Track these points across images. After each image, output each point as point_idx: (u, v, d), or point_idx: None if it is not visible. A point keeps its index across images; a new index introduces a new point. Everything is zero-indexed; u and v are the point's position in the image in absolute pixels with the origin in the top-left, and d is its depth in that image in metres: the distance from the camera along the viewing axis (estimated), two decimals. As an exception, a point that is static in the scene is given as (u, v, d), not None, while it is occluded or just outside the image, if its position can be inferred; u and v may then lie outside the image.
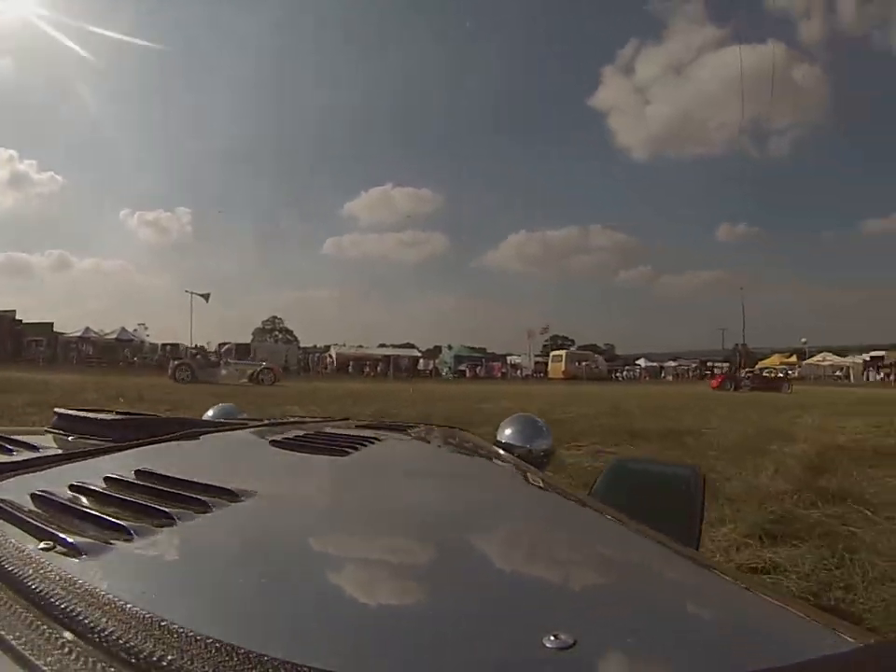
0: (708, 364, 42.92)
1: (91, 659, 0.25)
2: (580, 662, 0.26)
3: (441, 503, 0.53)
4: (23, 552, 0.33)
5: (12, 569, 0.31)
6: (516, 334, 39.52)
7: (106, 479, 0.48)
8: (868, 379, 34.62)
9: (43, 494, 0.43)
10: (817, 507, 3.02)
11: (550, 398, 12.98)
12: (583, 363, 36.75)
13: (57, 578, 0.29)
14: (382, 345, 40.50)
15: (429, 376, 32.74)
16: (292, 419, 1.15)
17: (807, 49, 61.62)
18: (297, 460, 0.65)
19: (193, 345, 23.63)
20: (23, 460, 0.56)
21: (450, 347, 39.29)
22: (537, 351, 40.67)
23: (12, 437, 0.69)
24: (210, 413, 1.36)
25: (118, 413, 0.81)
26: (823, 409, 11.10)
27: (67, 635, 0.26)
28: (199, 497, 0.43)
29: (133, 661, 0.24)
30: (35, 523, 0.38)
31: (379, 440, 0.75)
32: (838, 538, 2.46)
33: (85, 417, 0.78)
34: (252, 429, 0.91)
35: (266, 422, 1.08)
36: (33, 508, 0.42)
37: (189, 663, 0.24)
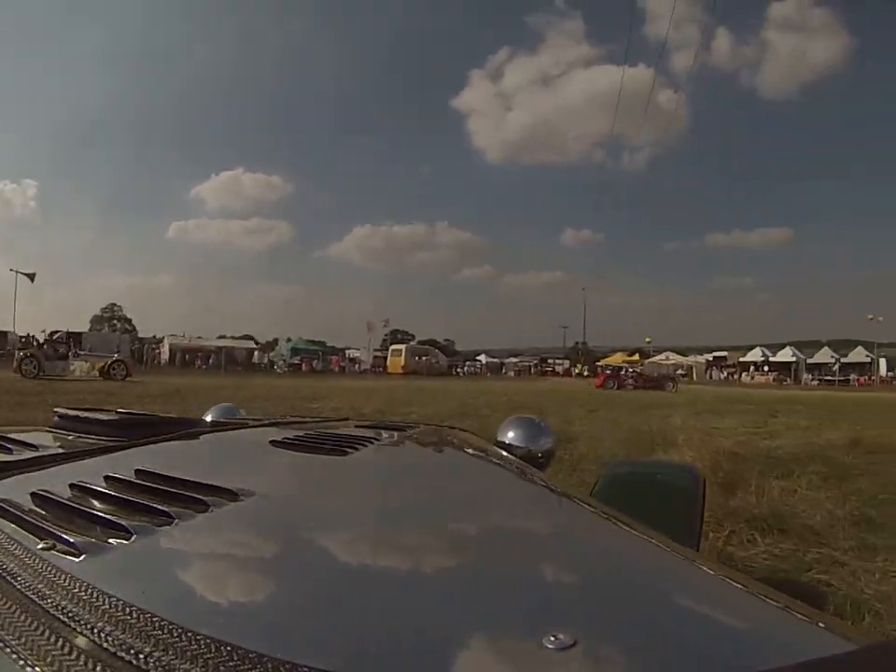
0: (549, 361, 44.35)
1: (90, 659, 0.25)
2: (580, 662, 0.26)
3: (441, 503, 0.53)
4: (23, 551, 0.33)
5: (12, 569, 0.31)
6: (358, 328, 39.96)
7: (106, 478, 0.48)
8: (711, 377, 36.44)
9: (43, 493, 0.43)
10: (756, 543, 2.41)
11: (388, 394, 11.80)
12: (423, 358, 35.66)
13: (57, 577, 0.29)
14: (222, 336, 38.20)
15: (263, 370, 30.31)
16: (292, 419, 1.15)
17: (676, 77, 64.35)
18: (297, 460, 0.65)
19: (26, 334, 20.21)
20: (23, 459, 0.56)
21: (288, 340, 37.42)
22: (377, 345, 39.76)
23: (12, 436, 0.69)
24: (210, 413, 1.36)
25: (118, 412, 0.81)
26: (722, 409, 10.53)
27: (67, 634, 0.26)
28: (199, 496, 0.43)
29: (133, 661, 0.24)
30: (34, 522, 0.38)
31: (379, 440, 0.75)
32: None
33: (85, 416, 0.78)
34: (252, 429, 0.91)
35: (266, 422, 1.08)
36: (32, 507, 0.42)
37: (188, 663, 0.24)
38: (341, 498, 0.53)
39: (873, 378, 33.66)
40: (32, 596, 0.28)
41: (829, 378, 34.25)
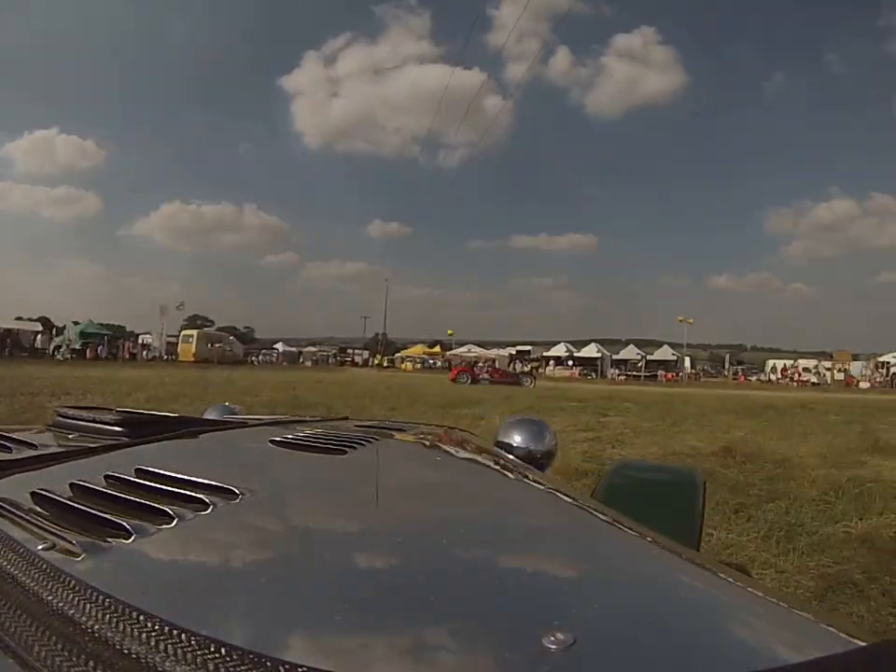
0: (348, 351, 44.34)
1: (91, 659, 0.25)
2: (579, 661, 0.26)
3: (441, 503, 0.53)
4: (23, 550, 0.33)
5: (12, 568, 0.31)
6: (155, 311, 36.03)
7: (106, 477, 0.48)
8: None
9: (43, 492, 0.43)
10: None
11: (158, 388, 9.87)
12: (216, 345, 33.08)
13: (57, 577, 0.29)
14: (19, 318, 32.69)
15: (46, 356, 26.95)
16: (292, 418, 1.15)
17: (507, 85, 69.23)
18: (297, 459, 0.65)
19: None
20: (23, 458, 0.56)
21: (76, 323, 32.78)
22: (174, 330, 36.06)
23: (11, 435, 0.68)
24: (210, 412, 1.36)
25: (118, 410, 0.81)
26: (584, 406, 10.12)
27: (67, 634, 0.26)
28: (199, 495, 0.43)
29: (133, 661, 0.24)
30: (34, 521, 0.38)
31: (379, 439, 0.75)
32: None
33: (85, 415, 0.78)
34: (252, 428, 0.91)
35: (266, 421, 1.08)
36: (32, 506, 0.42)
37: (188, 663, 0.24)
38: (340, 498, 0.53)
39: (680, 374, 35.10)
40: (32, 596, 0.28)
41: (635, 374, 35.83)
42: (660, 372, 35.64)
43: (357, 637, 0.28)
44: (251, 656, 0.24)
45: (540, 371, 34.68)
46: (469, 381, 21.37)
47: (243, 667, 0.23)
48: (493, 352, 40.39)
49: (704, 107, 78.85)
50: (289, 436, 0.72)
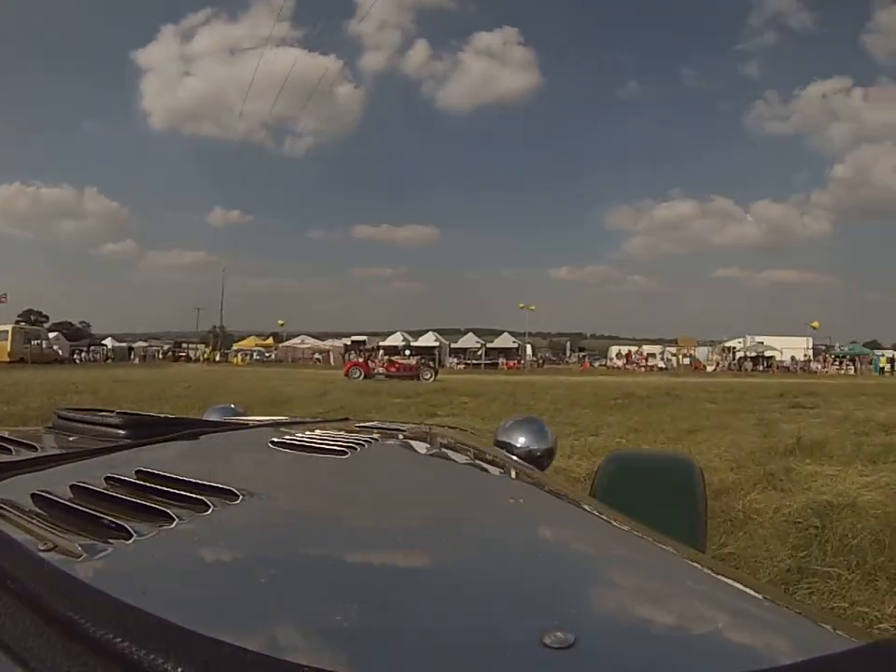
0: (183, 345, 41.35)
1: (91, 659, 0.25)
2: (580, 660, 0.26)
3: (441, 503, 0.53)
4: (23, 552, 0.33)
5: (12, 570, 0.31)
6: None
7: (107, 479, 0.48)
8: (346, 361, 35.00)
9: (43, 494, 0.43)
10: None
11: None
12: (34, 342, 29.22)
13: (58, 578, 0.29)
14: None
15: None
16: (293, 419, 1.15)
17: (362, 75, 68.34)
18: (297, 460, 0.65)
19: None
20: (23, 460, 0.56)
21: None
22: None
23: (12, 437, 0.69)
24: (210, 413, 1.36)
25: (118, 412, 0.81)
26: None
27: (68, 635, 0.26)
28: (199, 496, 0.43)
29: (134, 661, 0.24)
30: (35, 523, 0.38)
31: (379, 440, 0.75)
32: None
33: (85, 417, 0.78)
34: (252, 429, 0.91)
35: (266, 422, 1.08)
36: (33, 508, 0.42)
37: (188, 662, 0.24)
38: (341, 498, 0.53)
39: (521, 362, 34.55)
40: (32, 597, 0.28)
41: (475, 362, 35.09)
42: (501, 360, 34.90)
43: (358, 637, 0.28)
44: (252, 657, 0.24)
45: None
46: (362, 375, 18.99)
47: (243, 668, 0.23)
48: (328, 343, 39.57)
49: (556, 109, 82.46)
50: (290, 437, 0.72)
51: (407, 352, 34.11)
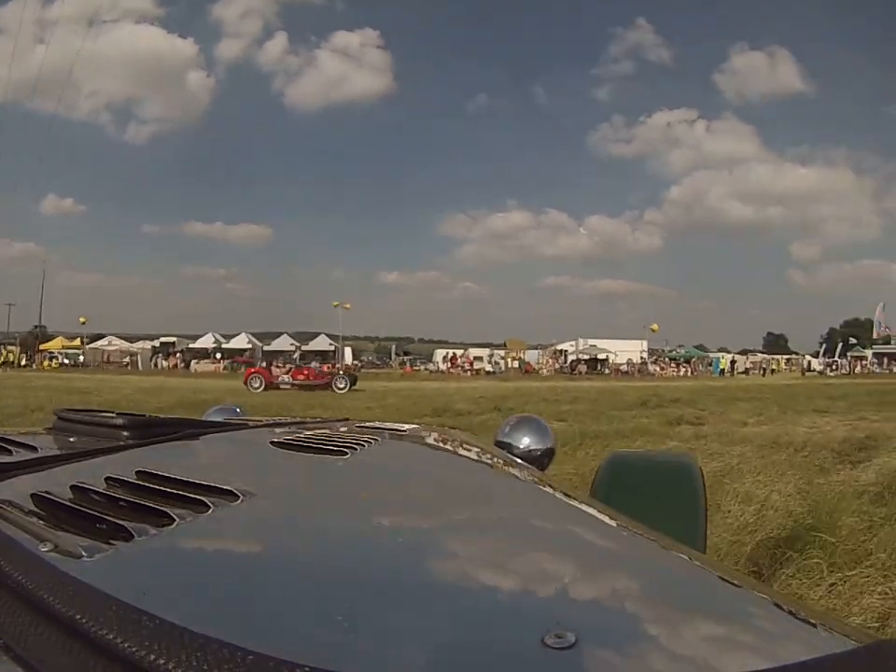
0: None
1: (91, 659, 0.25)
2: (580, 660, 0.26)
3: (441, 503, 0.53)
4: (24, 552, 0.33)
5: (12, 570, 0.31)
6: None
7: (107, 479, 0.48)
8: (156, 366, 33.05)
9: (43, 494, 0.43)
10: None
11: None
12: None
13: (58, 579, 0.29)
14: None
15: None
16: (292, 419, 1.15)
17: (218, 63, 63.93)
18: (297, 460, 0.65)
19: None
20: (24, 460, 0.56)
21: None
22: None
23: (12, 437, 0.69)
24: (210, 413, 1.36)
25: (118, 413, 0.81)
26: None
27: (68, 636, 0.26)
28: (199, 496, 0.43)
29: (134, 661, 0.24)
30: (35, 523, 0.38)
31: (379, 440, 0.75)
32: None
33: (85, 418, 0.78)
34: (252, 429, 0.91)
35: (266, 422, 1.08)
36: (33, 508, 0.42)
37: (189, 663, 0.24)
38: (341, 499, 0.53)
39: (336, 365, 31.81)
40: (33, 598, 0.28)
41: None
42: (315, 363, 31.08)
43: (359, 637, 0.28)
44: (252, 657, 0.24)
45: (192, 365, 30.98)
46: (263, 385, 15.59)
47: (243, 667, 0.23)
48: (138, 345, 36.45)
49: (405, 115, 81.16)
50: (290, 437, 0.72)
51: (218, 354, 31.49)
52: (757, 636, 0.31)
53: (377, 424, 1.00)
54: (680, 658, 0.28)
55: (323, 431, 0.84)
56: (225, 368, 31.64)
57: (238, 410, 1.41)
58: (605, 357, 33.70)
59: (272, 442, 0.69)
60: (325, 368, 20.81)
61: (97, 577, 0.30)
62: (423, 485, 0.61)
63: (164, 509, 0.40)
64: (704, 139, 69.92)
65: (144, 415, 0.79)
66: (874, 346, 39.22)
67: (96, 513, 0.40)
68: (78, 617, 0.26)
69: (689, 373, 32.22)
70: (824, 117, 77.25)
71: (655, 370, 32.33)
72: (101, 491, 0.45)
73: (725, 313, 79.31)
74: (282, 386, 15.96)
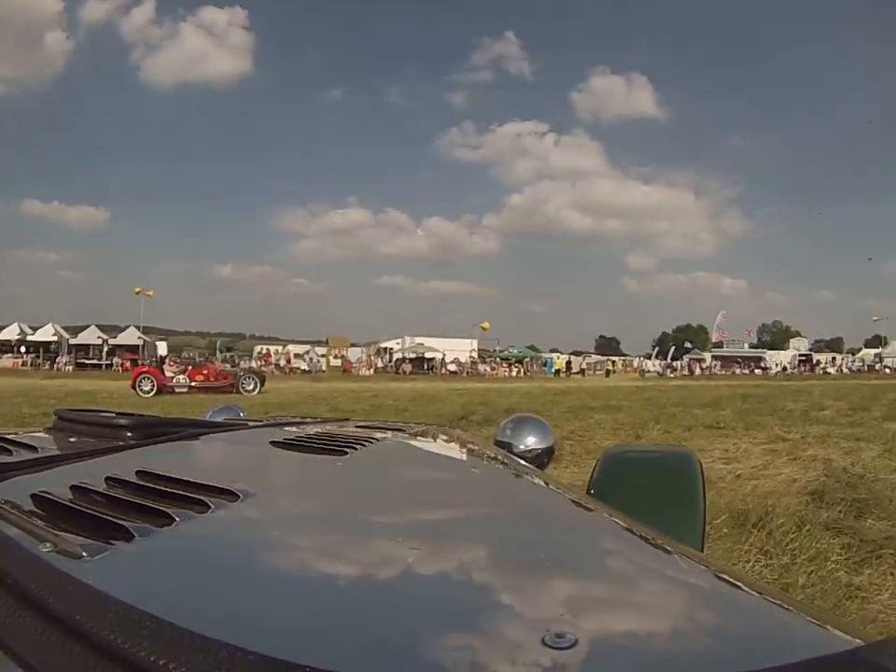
0: None
1: (91, 660, 0.25)
2: (580, 660, 0.26)
3: (440, 503, 0.53)
4: (24, 552, 0.33)
5: (12, 570, 0.31)
6: None
7: (107, 479, 0.48)
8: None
9: (43, 494, 0.43)
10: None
11: None
12: None
13: (58, 579, 0.29)
14: None
15: None
16: (293, 419, 1.15)
17: (80, 25, 62.43)
18: (297, 460, 0.65)
19: None
20: (23, 460, 0.56)
21: None
22: None
23: (12, 437, 0.69)
24: (210, 413, 1.36)
25: (118, 413, 0.81)
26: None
27: (68, 636, 0.26)
28: (199, 496, 0.43)
29: (134, 661, 0.24)
30: (35, 523, 0.38)
31: (379, 440, 0.75)
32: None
33: (85, 418, 0.78)
34: (252, 429, 0.91)
35: (266, 422, 1.08)
36: (33, 508, 0.42)
37: (189, 663, 0.24)
38: (341, 498, 0.53)
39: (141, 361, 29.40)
40: (33, 598, 0.28)
41: (96, 361, 29.85)
42: (116, 361, 29.19)
43: (359, 636, 0.28)
44: (252, 657, 0.24)
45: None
46: (154, 390, 13.12)
47: (243, 667, 0.23)
48: None
49: (258, 102, 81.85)
50: (290, 437, 0.72)
51: (22, 348, 27.39)
52: (757, 635, 0.31)
53: (377, 423, 1.00)
54: (680, 657, 0.28)
55: (323, 431, 0.84)
56: (24, 364, 28.52)
57: (238, 410, 1.41)
58: (432, 357, 31.91)
59: (271, 442, 0.69)
60: (228, 367, 18.47)
61: (97, 576, 0.30)
62: (423, 485, 0.61)
63: (164, 509, 0.40)
64: (551, 151, 74.82)
65: (143, 415, 0.79)
66: (712, 349, 41.80)
67: (96, 513, 0.40)
68: (78, 617, 0.26)
69: (522, 373, 31.36)
70: (672, 142, 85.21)
71: (486, 370, 31.44)
72: (101, 491, 0.45)
73: (559, 316, 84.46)
74: (177, 390, 13.58)
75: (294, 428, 0.92)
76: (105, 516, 0.39)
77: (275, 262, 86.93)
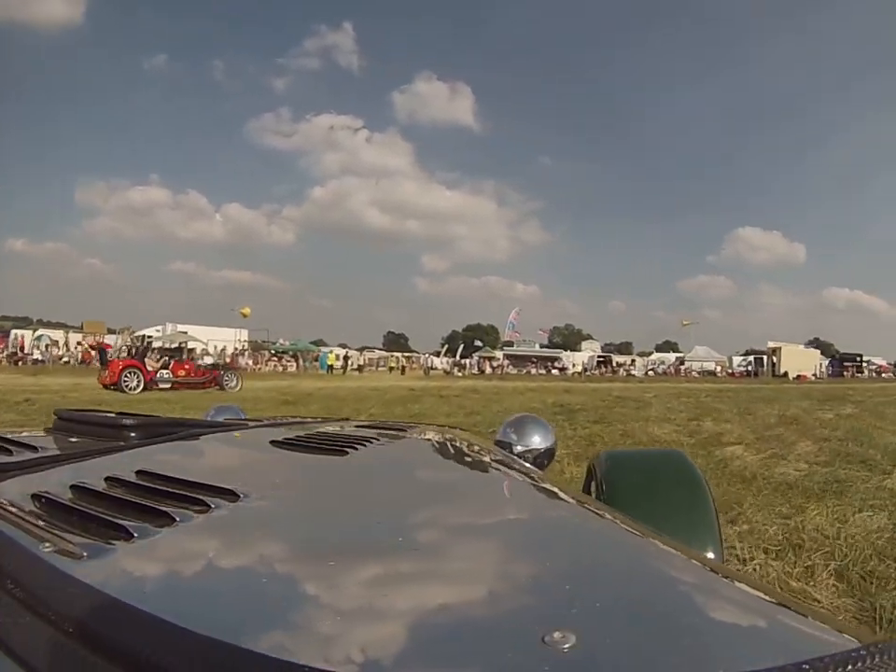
0: None
1: (91, 659, 0.25)
2: (580, 660, 0.26)
3: (440, 503, 0.53)
4: (24, 552, 0.33)
5: (12, 569, 0.31)
6: None
7: (107, 479, 0.48)
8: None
9: (43, 494, 0.43)
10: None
11: None
12: None
13: (59, 579, 0.29)
14: None
15: None
16: (292, 419, 1.15)
17: None
18: (297, 460, 0.65)
19: None
20: (24, 460, 0.56)
21: None
22: None
23: (12, 437, 0.69)
24: (210, 412, 1.36)
25: (118, 413, 0.81)
26: None
27: (69, 636, 0.26)
28: (199, 496, 0.43)
29: (134, 661, 0.24)
30: (35, 523, 0.38)
31: (379, 439, 0.75)
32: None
33: (85, 418, 0.78)
34: (252, 429, 0.91)
35: (266, 422, 1.08)
36: (33, 508, 0.42)
37: (188, 663, 0.24)
38: (341, 498, 0.53)
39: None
40: (33, 598, 0.28)
41: None
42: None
43: (359, 636, 0.28)
44: (252, 657, 0.24)
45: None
46: (141, 385, 12.34)
47: (243, 667, 0.23)
48: None
49: (78, 55, 74.93)
50: (290, 437, 0.72)
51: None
52: (757, 636, 0.31)
53: (377, 423, 1.00)
54: (681, 657, 0.28)
55: (323, 431, 0.84)
56: None
57: (238, 410, 1.41)
58: (194, 347, 27.04)
59: (271, 442, 0.69)
60: (208, 362, 17.13)
61: (97, 576, 0.30)
62: (423, 485, 0.61)
63: (165, 509, 0.40)
64: (362, 148, 74.08)
65: (143, 415, 0.79)
66: (504, 348, 40.20)
67: (96, 513, 0.40)
68: (79, 617, 0.26)
69: (294, 368, 28.29)
70: (483, 152, 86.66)
71: (248, 363, 27.30)
72: (101, 491, 0.45)
73: (351, 312, 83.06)
74: (160, 385, 12.83)
75: (294, 428, 0.92)
76: (104, 516, 0.39)
77: (71, 239, 79.69)
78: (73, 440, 0.74)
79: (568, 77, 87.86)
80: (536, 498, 0.63)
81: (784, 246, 77.75)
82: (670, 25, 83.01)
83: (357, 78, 79.67)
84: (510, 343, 40.95)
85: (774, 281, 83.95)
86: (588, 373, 33.10)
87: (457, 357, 36.25)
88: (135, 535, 0.36)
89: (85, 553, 0.34)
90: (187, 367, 13.97)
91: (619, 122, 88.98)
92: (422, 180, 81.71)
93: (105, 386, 12.13)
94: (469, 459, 0.84)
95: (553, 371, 35.19)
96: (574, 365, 37.01)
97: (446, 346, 42.67)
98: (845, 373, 33.83)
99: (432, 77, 77.17)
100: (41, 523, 0.39)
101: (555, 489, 0.65)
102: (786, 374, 31.28)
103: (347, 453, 0.64)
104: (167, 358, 13.86)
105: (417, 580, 0.36)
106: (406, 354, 37.48)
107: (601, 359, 38.03)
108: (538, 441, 1.13)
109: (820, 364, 35.08)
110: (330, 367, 28.60)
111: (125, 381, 12.26)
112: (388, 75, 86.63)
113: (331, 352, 31.40)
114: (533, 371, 35.20)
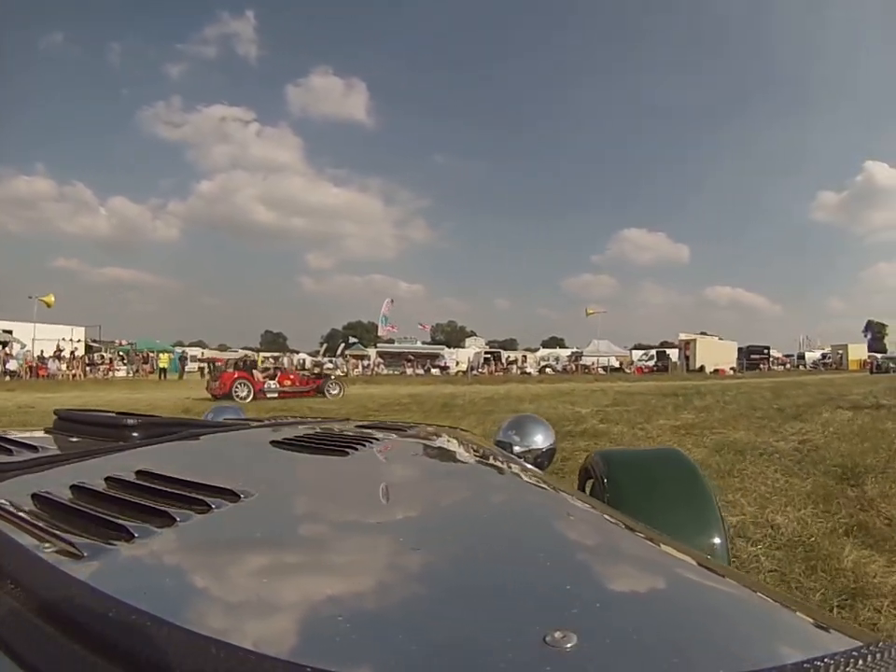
0: None
1: (91, 659, 0.25)
2: (581, 659, 0.26)
3: (441, 503, 0.53)
4: (24, 552, 0.33)
5: (12, 569, 0.31)
6: None
7: (107, 479, 0.48)
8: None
9: (44, 494, 0.43)
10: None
11: None
12: None
13: (59, 579, 0.29)
14: None
15: None
16: (293, 419, 1.15)
17: None
18: (297, 460, 0.65)
19: None
20: (24, 460, 0.56)
21: None
22: None
23: (12, 437, 0.69)
24: (210, 412, 1.36)
25: (118, 413, 0.81)
26: None
27: (69, 636, 0.26)
28: (199, 496, 0.43)
29: (133, 661, 0.24)
30: (35, 523, 0.38)
31: (379, 440, 0.75)
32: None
33: (85, 418, 0.78)
34: (252, 429, 0.91)
35: (266, 422, 1.08)
36: (33, 508, 0.42)
37: (188, 663, 0.24)
38: (341, 498, 0.53)
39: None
40: (33, 598, 0.28)
41: None
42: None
43: (359, 636, 0.28)
44: (253, 657, 0.24)
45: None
46: (252, 395, 13.02)
47: (243, 667, 0.23)
48: None
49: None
50: (290, 437, 0.72)
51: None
52: (757, 635, 0.31)
53: (377, 423, 1.00)
54: (681, 657, 0.28)
55: (323, 431, 0.84)
56: None
57: (238, 410, 1.41)
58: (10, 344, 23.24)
59: (272, 442, 0.69)
60: (313, 370, 18.23)
61: (98, 577, 0.30)
62: (423, 485, 0.61)
63: (165, 509, 0.40)
64: (252, 141, 70.64)
65: (143, 415, 0.79)
66: (377, 345, 35.89)
67: (96, 513, 0.40)
68: (79, 617, 0.26)
69: (123, 373, 24.94)
70: (373, 150, 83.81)
71: (58, 367, 22.52)
72: (101, 491, 0.45)
73: (233, 310, 79.53)
74: (269, 395, 13.52)
75: (294, 428, 0.92)
76: (104, 516, 0.39)
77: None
78: (73, 439, 0.74)
79: (468, 78, 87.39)
80: (536, 499, 0.63)
81: (668, 247, 77.62)
82: (562, 27, 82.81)
83: (254, 70, 76.10)
84: (390, 341, 36.48)
85: (659, 280, 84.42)
86: (475, 372, 28.87)
87: (335, 356, 30.71)
88: (136, 535, 0.36)
89: (85, 553, 0.34)
90: (292, 377, 14.84)
91: (512, 122, 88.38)
92: (310, 176, 79.57)
93: (216, 397, 12.37)
94: (469, 460, 0.84)
95: (434, 371, 31.12)
96: (458, 363, 32.87)
97: (325, 345, 40.15)
98: (761, 366, 32.28)
99: (328, 72, 75.44)
100: (41, 523, 0.39)
101: (556, 489, 0.65)
102: (702, 369, 29.26)
103: (348, 453, 0.64)
104: (273, 370, 15.12)
105: (417, 579, 0.36)
106: (275, 354, 30.68)
107: (489, 356, 32.88)
108: (538, 441, 1.13)
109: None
110: (163, 370, 25.27)
111: (236, 391, 12.95)
112: (286, 67, 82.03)
113: (163, 354, 27.45)
114: (409, 370, 30.84)
